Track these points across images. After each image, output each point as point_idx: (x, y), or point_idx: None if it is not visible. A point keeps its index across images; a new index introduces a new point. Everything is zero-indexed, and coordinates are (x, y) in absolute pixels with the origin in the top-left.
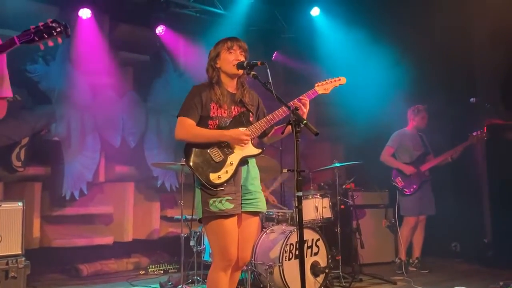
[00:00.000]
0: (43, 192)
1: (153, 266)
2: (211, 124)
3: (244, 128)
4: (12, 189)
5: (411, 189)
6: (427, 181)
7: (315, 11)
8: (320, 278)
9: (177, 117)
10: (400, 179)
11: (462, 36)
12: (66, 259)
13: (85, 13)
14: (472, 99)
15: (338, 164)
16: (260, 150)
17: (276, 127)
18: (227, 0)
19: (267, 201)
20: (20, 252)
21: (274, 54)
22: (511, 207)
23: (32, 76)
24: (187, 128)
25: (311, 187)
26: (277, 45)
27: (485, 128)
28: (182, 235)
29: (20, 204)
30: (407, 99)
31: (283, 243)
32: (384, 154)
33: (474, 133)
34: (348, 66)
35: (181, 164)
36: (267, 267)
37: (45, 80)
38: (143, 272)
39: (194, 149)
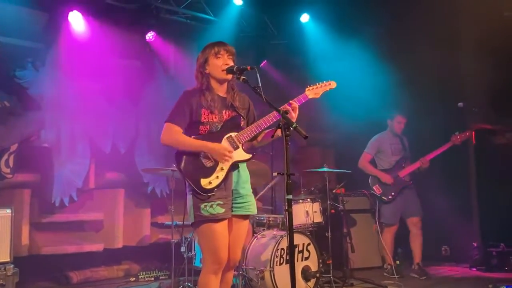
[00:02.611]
0: (32, 199)
1: (144, 273)
2: (202, 130)
3: (235, 133)
4: (1, 196)
5: (390, 196)
6: (409, 186)
7: (304, 18)
8: (311, 282)
9: (165, 122)
10: (378, 186)
11: (450, 41)
12: (56, 267)
13: (75, 18)
14: (460, 104)
15: (326, 169)
16: (250, 156)
17: (266, 131)
18: (218, 6)
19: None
20: (8, 260)
21: (263, 63)
22: (499, 211)
23: (21, 82)
24: (173, 134)
25: (302, 192)
26: (266, 51)
27: (473, 132)
28: (173, 241)
29: (8, 211)
30: (396, 104)
31: (274, 248)
32: (361, 160)
33: (457, 134)
34: (337, 72)
35: (172, 170)
36: (258, 272)
37: (34, 86)
38: (134, 279)
39: (185, 154)
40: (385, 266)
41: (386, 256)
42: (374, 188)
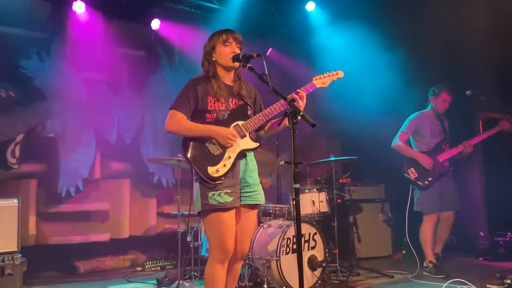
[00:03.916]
0: (39, 189)
1: (150, 263)
2: (208, 118)
3: (242, 122)
4: (7, 186)
5: (426, 182)
6: (447, 173)
7: (310, 6)
8: (318, 272)
9: (169, 109)
10: (413, 170)
11: (457, 28)
12: (63, 256)
13: (79, 8)
14: (468, 92)
15: (333, 158)
16: (258, 144)
17: (272, 121)
18: None
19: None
20: (16, 249)
21: (269, 50)
22: (506, 200)
23: (27, 72)
24: (177, 121)
25: (308, 182)
26: (272, 40)
27: (480, 122)
28: (179, 230)
29: (15, 201)
30: (403, 93)
31: (280, 237)
32: (397, 140)
33: (508, 118)
34: (343, 61)
35: (178, 160)
36: (264, 261)
37: (39, 76)
38: (140, 268)
39: (192, 142)
40: (425, 265)
41: (426, 253)
42: (408, 171)
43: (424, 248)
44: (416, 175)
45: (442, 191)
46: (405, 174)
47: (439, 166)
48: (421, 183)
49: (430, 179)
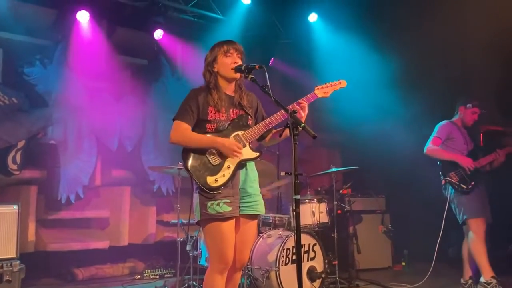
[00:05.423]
0: (39, 196)
1: (149, 271)
2: (209, 128)
3: (242, 132)
4: (8, 192)
5: (470, 186)
6: (482, 181)
7: (312, 17)
8: (317, 283)
9: (173, 120)
10: (454, 173)
11: (458, 41)
12: (61, 263)
13: (83, 16)
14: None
15: (335, 169)
16: (257, 154)
17: (274, 130)
18: (225, 5)
19: (264, 197)
20: (15, 256)
21: (271, 60)
22: (508, 212)
23: (29, 79)
24: (182, 132)
25: (308, 192)
26: (274, 51)
27: (481, 134)
28: (178, 239)
29: (15, 207)
30: (403, 105)
31: (279, 248)
32: (430, 145)
33: None
34: (345, 72)
35: (178, 168)
36: (263, 271)
37: (42, 83)
38: (139, 277)
39: (192, 152)
40: (484, 280)
41: (483, 269)
42: (450, 175)
43: (479, 263)
44: (458, 179)
45: (482, 199)
46: (446, 179)
47: (478, 171)
48: (464, 186)
49: (472, 182)
